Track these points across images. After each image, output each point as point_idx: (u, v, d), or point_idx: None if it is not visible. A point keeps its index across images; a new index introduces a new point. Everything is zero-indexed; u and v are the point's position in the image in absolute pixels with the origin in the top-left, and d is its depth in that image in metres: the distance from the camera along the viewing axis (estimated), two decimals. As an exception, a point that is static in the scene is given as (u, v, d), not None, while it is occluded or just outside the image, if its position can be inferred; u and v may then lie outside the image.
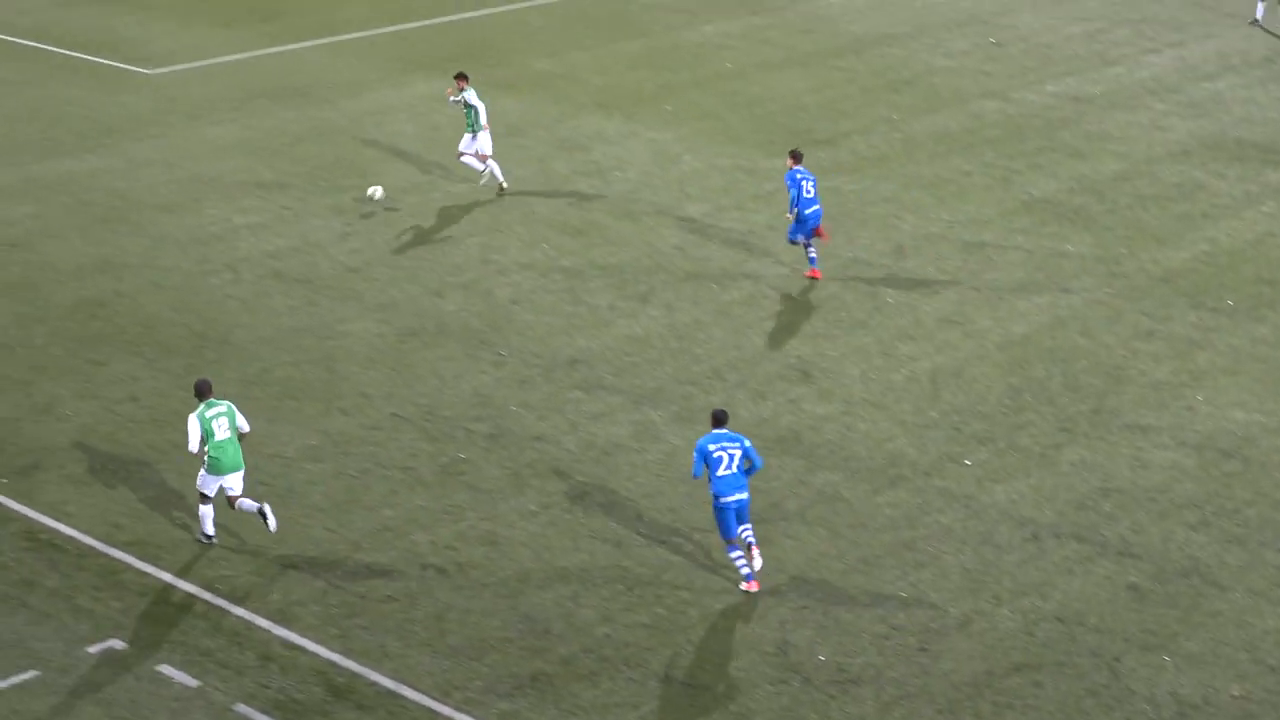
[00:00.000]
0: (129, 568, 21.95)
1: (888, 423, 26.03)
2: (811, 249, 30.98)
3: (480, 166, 35.03)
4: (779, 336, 28.98)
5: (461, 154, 35.06)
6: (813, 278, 31.02)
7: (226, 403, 22.40)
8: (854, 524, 23.21)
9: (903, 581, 21.87)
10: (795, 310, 29.98)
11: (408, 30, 48.77)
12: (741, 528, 21.42)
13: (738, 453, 21.30)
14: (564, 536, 22.83)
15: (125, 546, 22.37)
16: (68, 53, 45.33)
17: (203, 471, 22.21)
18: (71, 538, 22.62)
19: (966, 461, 24.86)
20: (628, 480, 24.22)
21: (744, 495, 21.29)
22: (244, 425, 22.38)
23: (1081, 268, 31.85)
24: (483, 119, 34.50)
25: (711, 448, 21.28)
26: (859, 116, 40.99)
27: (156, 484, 23.95)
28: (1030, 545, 22.71)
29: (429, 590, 21.59)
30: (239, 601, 21.23)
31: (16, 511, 23.21)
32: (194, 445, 22.01)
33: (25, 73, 43.81)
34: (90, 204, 34.66)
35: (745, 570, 21.48)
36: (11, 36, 47.02)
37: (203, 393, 22.25)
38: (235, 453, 22.13)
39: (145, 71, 42.24)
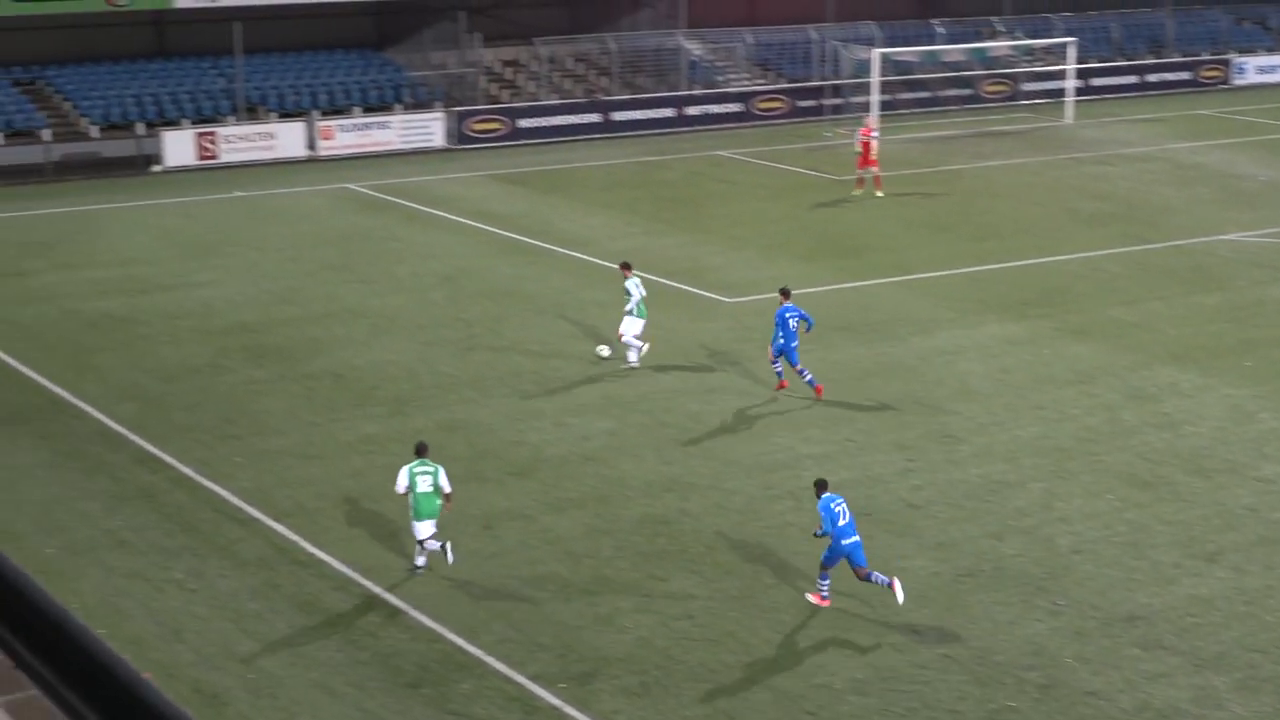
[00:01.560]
0: (673, 783, 22.35)
1: None
2: (806, 372, 36.86)
3: (639, 346, 38.80)
4: (1357, 610, 27.46)
5: (622, 335, 39.05)
6: (781, 388, 37.31)
7: (436, 465, 27.83)
8: None
9: None
10: (1376, 583, 28.37)
11: (982, 272, 49.08)
12: (869, 570, 26.62)
13: (847, 506, 26.87)
14: (1112, 799, 22.04)
15: (671, 761, 22.81)
16: (657, 279, 47.50)
17: (411, 518, 27.85)
18: (621, 747, 23.23)
19: None
20: (1184, 747, 23.25)
21: (857, 538, 26.71)
22: (445, 485, 27.73)
23: None
24: (630, 304, 38.52)
25: (832, 505, 26.66)
26: None
27: (704, 701, 24.36)
28: None
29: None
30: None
31: (572, 717, 23.99)
32: (400, 488, 27.73)
33: (616, 296, 45.96)
34: (665, 424, 35.94)
35: (826, 584, 27.13)
36: (608, 262, 49.61)
37: (420, 452, 28.05)
38: (431, 504, 27.61)
39: (724, 300, 43.73)
